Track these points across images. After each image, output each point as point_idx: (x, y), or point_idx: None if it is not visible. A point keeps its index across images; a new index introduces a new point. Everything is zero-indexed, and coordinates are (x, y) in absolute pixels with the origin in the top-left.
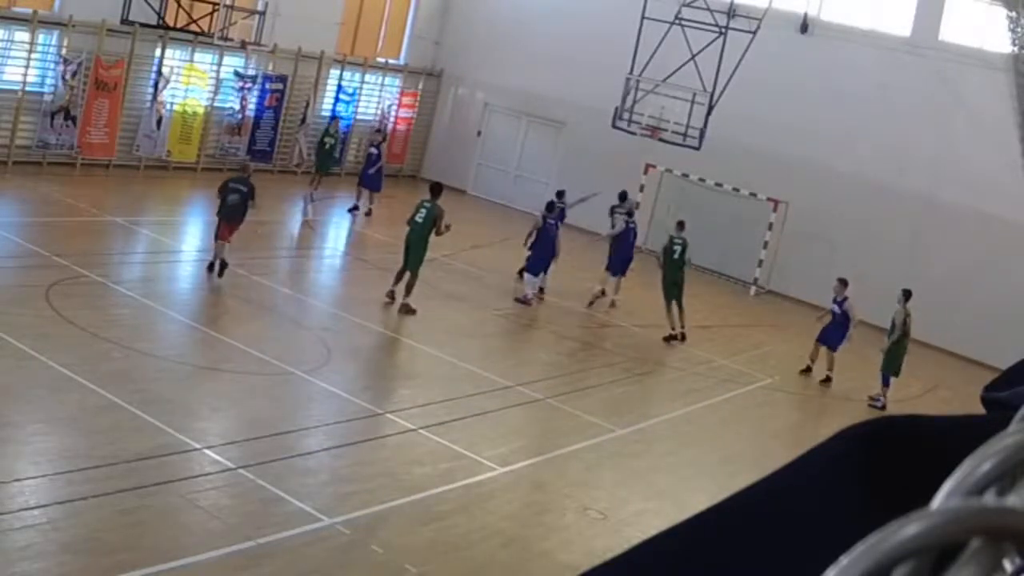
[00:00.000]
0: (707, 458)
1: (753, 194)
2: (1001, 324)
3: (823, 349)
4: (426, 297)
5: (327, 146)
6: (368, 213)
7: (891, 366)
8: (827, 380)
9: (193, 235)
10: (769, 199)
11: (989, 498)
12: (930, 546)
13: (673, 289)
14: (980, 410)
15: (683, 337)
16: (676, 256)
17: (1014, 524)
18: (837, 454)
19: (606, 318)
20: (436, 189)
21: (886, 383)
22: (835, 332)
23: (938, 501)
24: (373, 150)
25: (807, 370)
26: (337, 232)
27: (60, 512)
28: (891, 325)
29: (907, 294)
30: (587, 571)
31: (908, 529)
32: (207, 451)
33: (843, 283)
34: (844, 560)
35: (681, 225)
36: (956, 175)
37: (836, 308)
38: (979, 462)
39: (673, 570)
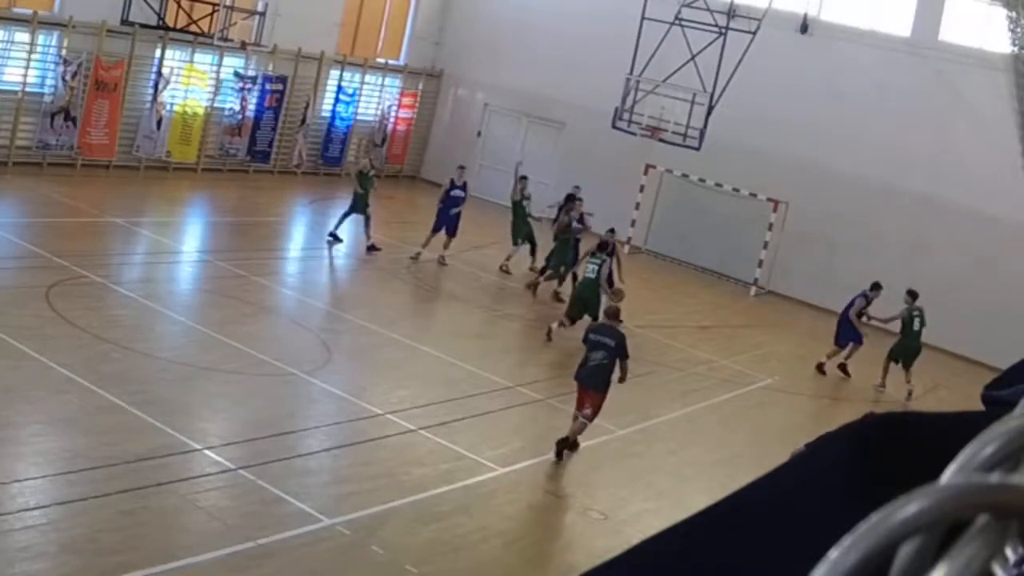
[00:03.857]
0: (707, 458)
1: (753, 194)
2: (1001, 324)
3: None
4: (427, 298)
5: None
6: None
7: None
8: (844, 369)
9: (193, 236)
10: (769, 199)
11: (996, 477)
12: (938, 521)
13: (905, 355)
14: (980, 409)
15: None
16: (916, 328)
17: (1020, 502)
18: (837, 452)
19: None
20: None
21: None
22: (851, 333)
23: (945, 479)
24: (458, 191)
25: (844, 372)
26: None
27: (60, 513)
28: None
29: (914, 294)
30: (587, 571)
31: (916, 503)
32: (207, 452)
33: (880, 287)
34: (847, 540)
35: (914, 295)
36: (956, 175)
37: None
38: (983, 444)
39: (673, 569)
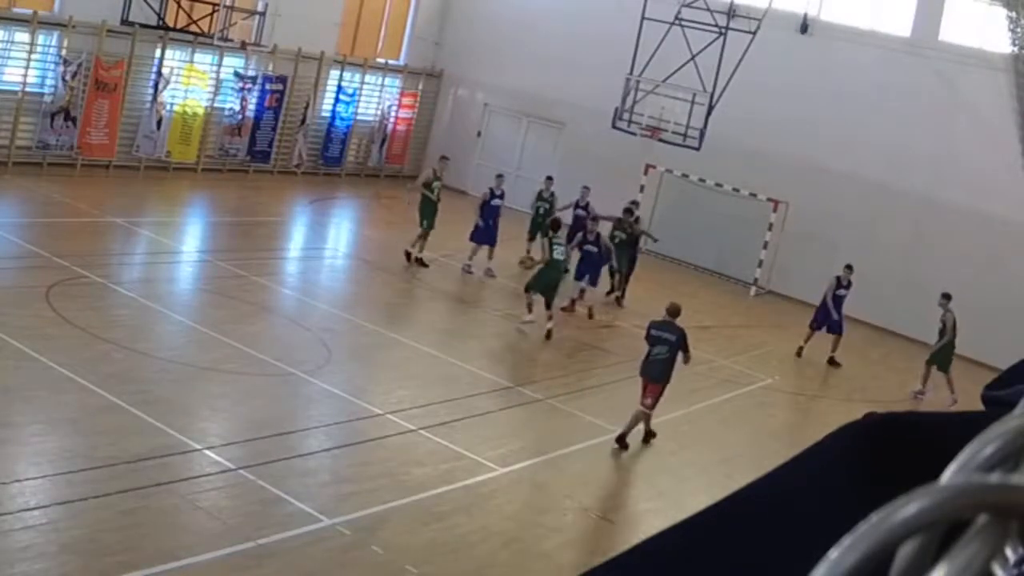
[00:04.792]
0: (707, 458)
1: (753, 194)
2: (1001, 324)
3: (829, 336)
4: (426, 298)
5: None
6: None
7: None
8: (834, 362)
9: (193, 236)
10: (769, 199)
11: (996, 477)
12: (938, 521)
13: (948, 360)
14: (980, 409)
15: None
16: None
17: (1020, 502)
18: (836, 451)
19: (606, 318)
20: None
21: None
22: (824, 316)
23: (945, 479)
24: (497, 201)
25: (798, 354)
26: (337, 232)
27: (60, 513)
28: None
29: (949, 296)
30: (587, 571)
31: (916, 503)
32: (207, 452)
33: (851, 268)
34: (847, 540)
35: (949, 297)
36: (956, 175)
37: (845, 292)
38: (983, 444)
39: (673, 569)
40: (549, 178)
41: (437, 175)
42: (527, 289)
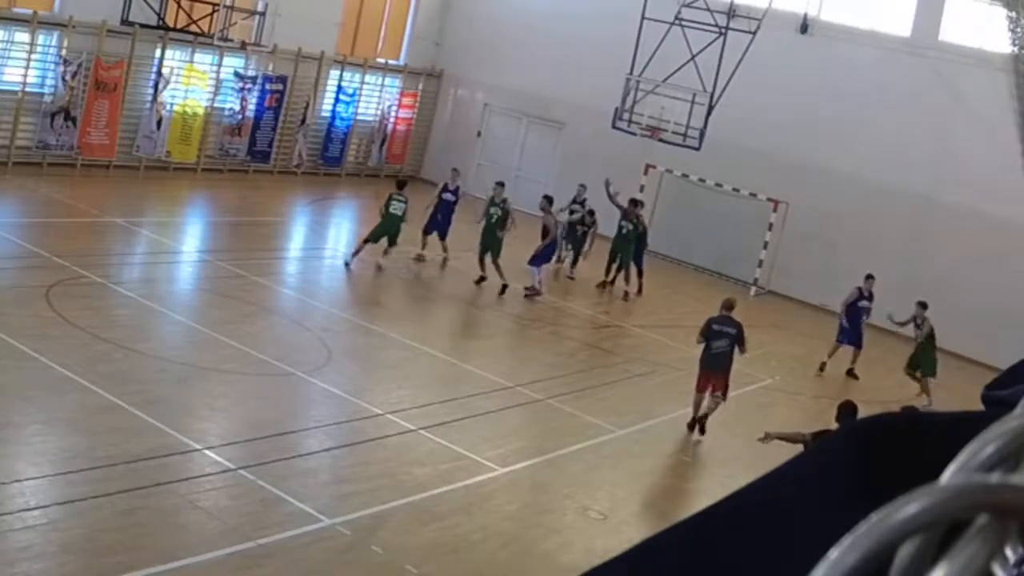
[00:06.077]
0: (707, 458)
1: (753, 194)
2: (1001, 324)
3: (849, 349)
4: (426, 298)
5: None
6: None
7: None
8: (852, 374)
9: (193, 236)
10: (769, 199)
11: (996, 477)
12: (938, 521)
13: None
14: (980, 409)
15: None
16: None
17: (1020, 502)
18: (836, 451)
19: (606, 318)
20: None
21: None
22: (856, 329)
23: (945, 479)
24: (449, 196)
25: (822, 368)
26: (337, 232)
27: (60, 513)
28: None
29: (924, 305)
30: (587, 571)
31: (916, 503)
32: (207, 452)
33: (872, 278)
34: (847, 540)
35: (925, 306)
36: (956, 175)
37: (867, 303)
38: (983, 444)
39: (673, 569)
40: (499, 184)
41: (495, 201)
42: (365, 241)
